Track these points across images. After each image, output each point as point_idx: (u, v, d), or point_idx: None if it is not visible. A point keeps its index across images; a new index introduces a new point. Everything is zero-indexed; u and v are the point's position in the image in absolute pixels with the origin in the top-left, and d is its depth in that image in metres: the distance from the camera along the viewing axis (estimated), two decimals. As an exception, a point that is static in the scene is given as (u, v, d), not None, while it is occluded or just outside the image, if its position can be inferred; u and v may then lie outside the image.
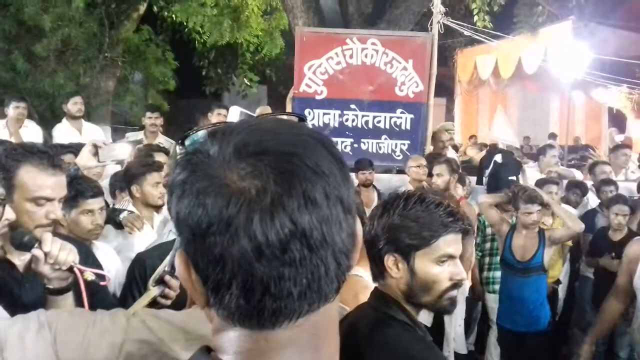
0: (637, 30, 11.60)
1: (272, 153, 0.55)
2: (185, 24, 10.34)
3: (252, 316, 0.56)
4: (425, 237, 1.43)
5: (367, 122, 6.65)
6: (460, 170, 5.11)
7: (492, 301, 4.32)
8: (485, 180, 5.39)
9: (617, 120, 11.79)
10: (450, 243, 1.45)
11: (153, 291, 1.43)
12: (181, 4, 10.22)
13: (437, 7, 7.58)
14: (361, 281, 1.62)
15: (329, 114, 6.65)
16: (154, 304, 1.43)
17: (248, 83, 12.25)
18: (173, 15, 10.49)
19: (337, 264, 0.56)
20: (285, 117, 0.90)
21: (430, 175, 4.75)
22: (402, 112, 6.69)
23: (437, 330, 4.28)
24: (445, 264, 1.45)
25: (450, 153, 6.84)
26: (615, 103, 11.49)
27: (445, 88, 12.86)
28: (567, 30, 9.86)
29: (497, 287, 4.23)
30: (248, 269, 0.53)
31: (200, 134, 0.62)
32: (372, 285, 1.56)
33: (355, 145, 6.63)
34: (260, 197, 0.53)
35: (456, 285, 1.48)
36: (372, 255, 1.51)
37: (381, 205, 1.54)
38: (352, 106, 6.64)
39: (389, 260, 1.46)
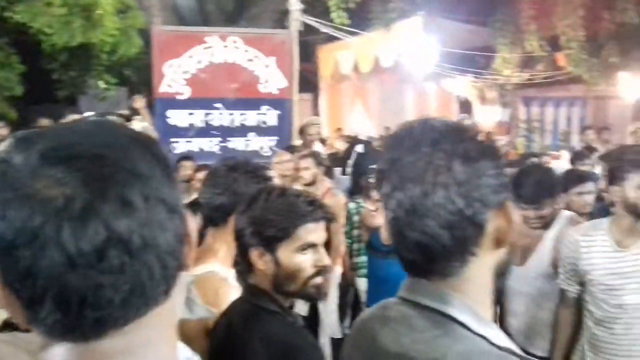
0: (478, 23, 12.71)
1: (84, 157, 0.53)
2: (30, 25, 9.54)
3: (74, 329, 0.54)
4: (286, 227, 1.48)
5: (233, 121, 6.64)
6: (326, 163, 5.28)
7: (363, 285, 4.52)
8: (348, 170, 5.62)
9: (466, 107, 12.83)
10: (311, 232, 1.50)
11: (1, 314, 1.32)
12: (25, 3, 9.41)
13: (295, 5, 7.73)
14: (216, 276, 1.64)
15: (193, 114, 6.53)
16: (7, 326, 1.32)
17: (105, 85, 11.60)
18: (16, 16, 9.62)
19: (162, 266, 0.55)
20: (110, 118, 0.88)
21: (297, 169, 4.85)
22: (267, 109, 6.76)
23: (313, 318, 4.43)
24: (308, 252, 1.50)
25: (318, 146, 7.04)
26: (463, 92, 12.50)
27: (310, 83, 13.16)
28: (417, 25, 10.53)
29: (365, 271, 4.44)
30: (61, 282, 0.51)
31: (7, 141, 0.57)
32: (230, 277, 1.58)
33: (223, 144, 6.59)
34: (70, 205, 0.50)
35: (320, 272, 1.53)
36: (238, 250, 1.54)
37: (246, 200, 1.56)
38: (217, 105, 6.59)
39: (254, 254, 1.48)
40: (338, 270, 4.55)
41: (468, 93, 12.49)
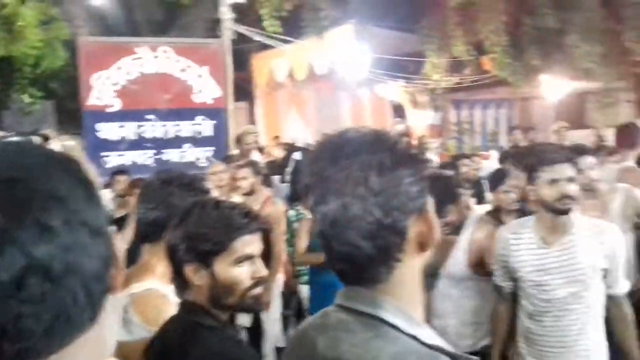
0: (407, 30, 13.05)
1: None
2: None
3: None
4: (222, 241, 1.45)
5: (167, 132, 6.51)
6: (264, 171, 5.26)
7: (305, 292, 4.53)
8: (287, 178, 5.62)
9: (400, 111, 13.13)
10: (247, 244, 1.47)
11: None
12: (-62, 15, 8.87)
13: (226, 14, 7.68)
14: (155, 293, 1.60)
15: (124, 126, 6.36)
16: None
17: (30, 99, 11.10)
18: None
19: (87, 292, 0.53)
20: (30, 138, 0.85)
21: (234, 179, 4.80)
22: (203, 119, 6.67)
23: (257, 329, 4.40)
24: (245, 264, 1.48)
25: (256, 155, 7.01)
26: (396, 97, 12.79)
27: (245, 92, 13.09)
28: (349, 33, 10.70)
29: (307, 278, 4.45)
30: None
31: None
32: (170, 294, 1.55)
33: (157, 157, 6.44)
34: None
35: (258, 283, 1.52)
36: (173, 266, 1.50)
37: (178, 215, 1.52)
38: (150, 116, 6.44)
39: (189, 270, 1.45)
40: (280, 279, 4.54)
41: (401, 98, 12.80)
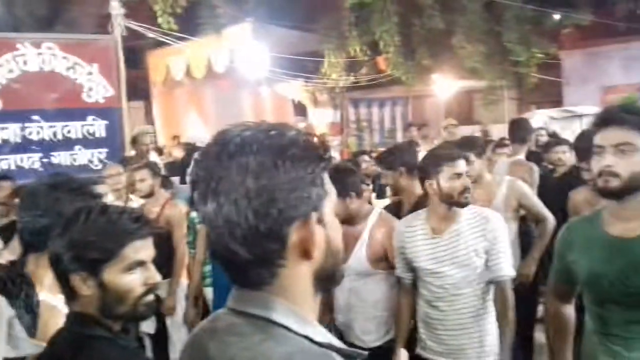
0: (305, 30, 13.19)
1: None
2: None
3: None
4: (110, 248, 1.37)
5: (55, 133, 6.11)
6: (163, 173, 5.10)
7: (209, 294, 4.46)
8: (188, 179, 5.49)
9: (301, 110, 13.27)
10: (138, 250, 1.42)
11: None
12: None
13: (117, 9, 7.34)
14: (44, 305, 1.50)
15: (7, 128, 5.89)
16: None
17: None
18: None
19: None
20: None
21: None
22: (94, 119, 6.34)
23: (161, 334, 4.27)
24: (137, 271, 1.42)
25: (154, 156, 6.78)
26: (296, 95, 12.91)
27: (141, 91, 12.61)
28: (247, 31, 10.63)
29: (211, 280, 4.38)
30: None
31: None
32: (60, 305, 1.46)
33: (45, 160, 6.03)
34: None
35: (151, 289, 1.47)
36: (58, 277, 1.41)
37: (62, 222, 1.43)
38: (35, 117, 6.01)
39: (76, 280, 1.37)
40: (184, 282, 4.43)
41: (301, 96, 12.94)
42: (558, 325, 2.04)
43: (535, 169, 4.26)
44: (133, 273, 1.41)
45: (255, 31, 10.60)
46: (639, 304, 1.66)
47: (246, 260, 0.80)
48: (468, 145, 3.38)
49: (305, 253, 0.82)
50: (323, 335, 0.85)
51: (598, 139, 1.70)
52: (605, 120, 1.70)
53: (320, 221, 0.83)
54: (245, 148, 0.80)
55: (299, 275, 0.83)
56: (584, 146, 3.24)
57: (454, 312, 2.45)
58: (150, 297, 1.46)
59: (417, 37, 12.79)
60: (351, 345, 2.74)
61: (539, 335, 3.33)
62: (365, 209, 2.87)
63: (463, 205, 2.44)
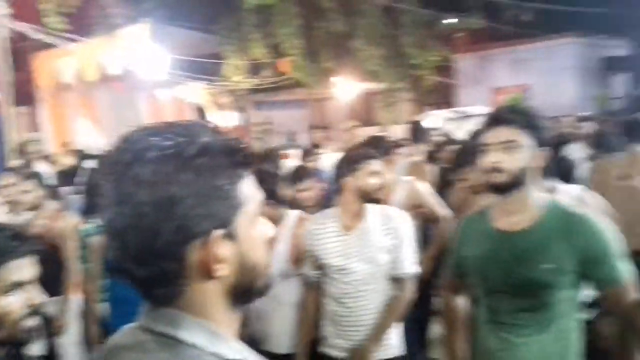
0: (206, 31, 12.93)
1: None
2: None
3: None
4: None
5: None
6: (51, 183, 4.77)
7: (106, 310, 4.21)
8: (79, 188, 5.18)
9: (203, 113, 12.98)
10: (15, 270, 1.34)
11: None
12: None
13: (2, 9, 6.80)
14: None
15: None
16: None
17: None
18: None
19: None
20: None
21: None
22: (-28, 127, 5.81)
23: (51, 356, 3.97)
24: (15, 292, 1.33)
25: (42, 166, 6.34)
26: (197, 98, 12.62)
27: (26, 95, 11.77)
28: (144, 32, 10.24)
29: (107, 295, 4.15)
30: None
31: None
32: None
33: None
34: None
35: (33, 312, 1.36)
36: None
37: None
38: None
39: None
40: (76, 300, 4.15)
41: (202, 99, 12.66)
42: (452, 317, 2.13)
43: (433, 168, 4.43)
44: (10, 295, 1.31)
45: (153, 32, 10.25)
46: (525, 293, 1.76)
47: (143, 278, 0.73)
48: (373, 146, 3.45)
49: (208, 273, 0.74)
50: (237, 351, 0.80)
51: (487, 137, 1.79)
52: (493, 120, 1.80)
53: (230, 237, 0.75)
54: (144, 156, 0.71)
55: (206, 294, 0.77)
56: (474, 145, 3.39)
57: (360, 308, 2.50)
58: (34, 319, 1.36)
59: (319, 40, 12.96)
60: (269, 353, 2.71)
61: (435, 328, 3.46)
62: (283, 211, 2.89)
63: (378, 201, 2.53)
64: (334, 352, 2.59)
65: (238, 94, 12.99)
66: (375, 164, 2.53)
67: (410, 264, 2.53)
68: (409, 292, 2.53)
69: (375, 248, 2.48)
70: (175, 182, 0.70)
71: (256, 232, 0.80)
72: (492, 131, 1.77)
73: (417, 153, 4.76)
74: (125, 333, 0.82)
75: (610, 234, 1.75)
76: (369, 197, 2.51)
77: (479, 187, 2.65)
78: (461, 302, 2.11)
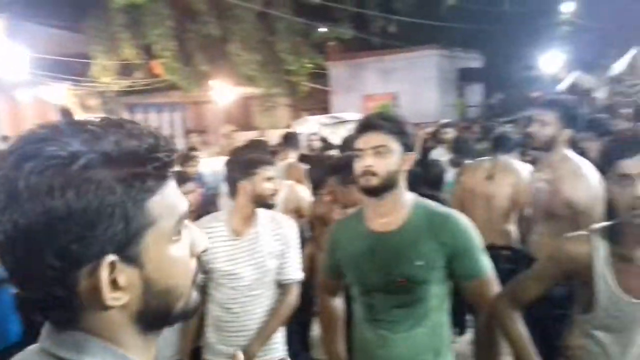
0: (72, 29, 12.16)
1: None
2: None
3: None
4: None
5: None
6: None
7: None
8: None
9: (68, 116, 12.17)
10: None
11: None
12: None
13: None
14: None
15: None
16: None
17: None
18: None
19: None
20: None
21: None
22: None
23: None
24: None
25: None
26: (62, 100, 11.81)
27: None
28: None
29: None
30: None
31: None
32: None
33: None
34: None
35: None
36: None
37: None
38: None
39: None
40: None
41: (68, 101, 11.87)
42: (329, 317, 2.18)
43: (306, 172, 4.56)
44: None
45: (10, 28, 9.44)
46: (399, 290, 1.84)
47: (34, 301, 0.65)
48: (256, 149, 3.43)
49: (101, 303, 0.64)
50: None
51: (359, 143, 1.86)
52: (364, 126, 1.86)
53: (131, 261, 0.65)
54: (23, 166, 0.61)
55: (109, 319, 0.67)
56: (348, 150, 3.59)
57: (246, 314, 2.47)
58: None
59: (193, 43, 12.73)
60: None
61: (316, 329, 3.54)
62: None
63: (271, 206, 2.51)
64: (217, 359, 2.57)
65: (108, 95, 12.35)
66: (271, 170, 2.51)
67: (295, 270, 2.52)
68: (294, 297, 2.52)
69: (265, 253, 2.45)
70: (58, 199, 0.59)
71: (175, 251, 0.69)
72: (364, 137, 1.84)
73: (291, 156, 4.87)
74: (27, 357, 0.73)
75: (472, 229, 1.85)
76: (264, 202, 2.48)
77: (343, 200, 2.79)
78: (338, 303, 2.18)
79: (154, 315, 0.69)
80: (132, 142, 0.64)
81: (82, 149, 0.61)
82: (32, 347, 0.72)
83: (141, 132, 0.65)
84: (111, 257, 0.62)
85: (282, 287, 2.51)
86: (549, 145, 2.73)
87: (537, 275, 1.81)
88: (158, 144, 0.66)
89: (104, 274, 0.62)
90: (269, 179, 2.50)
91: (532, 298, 1.81)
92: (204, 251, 0.74)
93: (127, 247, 0.63)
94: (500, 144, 3.74)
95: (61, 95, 11.64)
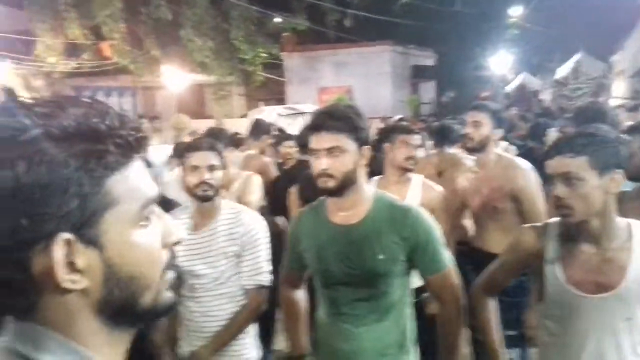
0: (15, 5, 11.59)
1: None
2: None
3: None
4: None
5: None
6: None
7: None
8: None
9: (11, 96, 11.63)
10: None
11: None
12: None
13: None
14: None
15: None
16: None
17: None
18: None
19: None
20: None
21: None
22: None
23: None
24: None
25: None
26: (3, 79, 11.26)
27: None
28: None
29: None
30: None
31: None
32: None
33: None
34: None
35: None
36: None
37: None
38: None
39: None
40: None
41: (11, 81, 11.32)
42: (291, 309, 2.15)
43: (270, 161, 4.51)
44: None
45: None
46: (362, 283, 1.83)
47: None
48: (215, 137, 3.31)
49: (56, 286, 0.60)
50: None
51: (313, 142, 1.81)
52: (316, 126, 1.81)
53: (89, 242, 0.62)
54: None
55: (66, 309, 0.63)
56: (304, 142, 3.56)
57: (202, 314, 2.35)
58: None
59: (145, 26, 12.37)
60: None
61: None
62: None
63: (200, 199, 2.31)
64: (183, 356, 2.40)
65: (54, 76, 11.86)
66: (199, 158, 2.32)
67: (256, 275, 2.33)
68: (256, 303, 2.35)
69: (219, 253, 2.30)
70: (7, 171, 0.57)
71: (140, 237, 0.65)
72: (316, 137, 1.79)
73: (252, 147, 4.81)
74: None
75: (432, 223, 1.85)
76: (192, 193, 2.31)
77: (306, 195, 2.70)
78: (301, 295, 2.14)
79: (118, 306, 0.65)
80: (93, 119, 0.61)
81: (36, 122, 0.58)
82: None
83: (105, 111, 0.63)
84: (66, 235, 0.59)
85: (246, 291, 2.34)
86: (483, 145, 2.91)
87: (501, 266, 1.88)
88: (123, 123, 0.63)
89: (58, 253, 0.59)
90: (194, 167, 2.28)
91: (503, 285, 1.91)
92: (177, 243, 0.71)
93: (84, 227, 0.60)
94: (444, 136, 3.81)
95: (3, 74, 11.09)
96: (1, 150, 0.57)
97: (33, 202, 0.57)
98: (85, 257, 0.61)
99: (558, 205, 1.61)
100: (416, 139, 2.97)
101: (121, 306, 0.65)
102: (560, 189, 1.59)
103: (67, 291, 0.61)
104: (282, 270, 2.15)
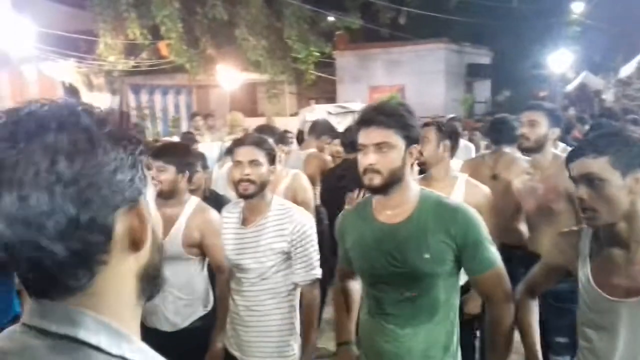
0: (77, 6, 12.07)
1: None
2: None
3: None
4: None
5: None
6: None
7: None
8: None
9: (73, 93, 12.12)
10: None
11: None
12: None
13: None
14: None
15: None
16: None
17: None
18: None
19: None
20: None
21: None
22: None
23: None
24: None
25: None
26: (67, 77, 11.74)
27: None
28: (4, 2, 9.32)
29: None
30: None
31: None
32: None
33: None
34: None
35: None
36: None
37: None
38: None
39: None
40: None
41: (73, 79, 11.81)
42: (341, 300, 2.15)
43: (330, 160, 4.53)
44: None
45: (16, 1, 9.36)
46: (406, 283, 1.81)
47: (60, 260, 0.65)
48: (267, 133, 3.32)
49: (134, 244, 0.71)
50: (143, 353, 0.72)
51: (361, 137, 1.80)
52: (365, 121, 1.80)
53: (144, 209, 0.73)
54: (49, 125, 0.66)
55: (121, 275, 0.72)
56: (349, 140, 3.53)
57: (246, 309, 2.40)
58: None
59: (201, 25, 12.64)
60: (155, 330, 2.57)
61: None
62: (186, 196, 2.71)
63: (240, 196, 2.36)
64: (231, 348, 2.48)
65: (113, 75, 12.29)
66: (242, 153, 2.34)
67: (312, 270, 2.37)
68: (311, 296, 2.41)
69: (267, 248, 2.34)
70: (94, 149, 0.67)
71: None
72: (365, 132, 1.78)
73: (311, 146, 4.85)
74: (8, 336, 0.70)
75: (481, 222, 1.81)
76: (236, 189, 2.37)
77: None
78: (355, 286, 2.15)
79: (153, 272, 0.77)
80: (109, 113, 0.75)
81: (87, 113, 0.71)
82: (12, 327, 0.71)
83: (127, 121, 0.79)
84: (141, 200, 0.73)
85: (299, 287, 2.41)
86: (539, 145, 2.85)
87: (541, 269, 1.85)
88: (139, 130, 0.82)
89: (142, 213, 0.72)
90: (237, 162, 2.35)
91: (545, 288, 1.88)
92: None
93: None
94: (500, 132, 3.55)
95: (66, 72, 11.57)
96: (90, 135, 0.68)
97: (119, 172, 0.69)
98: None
99: (582, 208, 1.56)
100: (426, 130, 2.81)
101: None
102: (583, 191, 1.54)
103: (135, 251, 0.72)
104: (338, 263, 2.16)
